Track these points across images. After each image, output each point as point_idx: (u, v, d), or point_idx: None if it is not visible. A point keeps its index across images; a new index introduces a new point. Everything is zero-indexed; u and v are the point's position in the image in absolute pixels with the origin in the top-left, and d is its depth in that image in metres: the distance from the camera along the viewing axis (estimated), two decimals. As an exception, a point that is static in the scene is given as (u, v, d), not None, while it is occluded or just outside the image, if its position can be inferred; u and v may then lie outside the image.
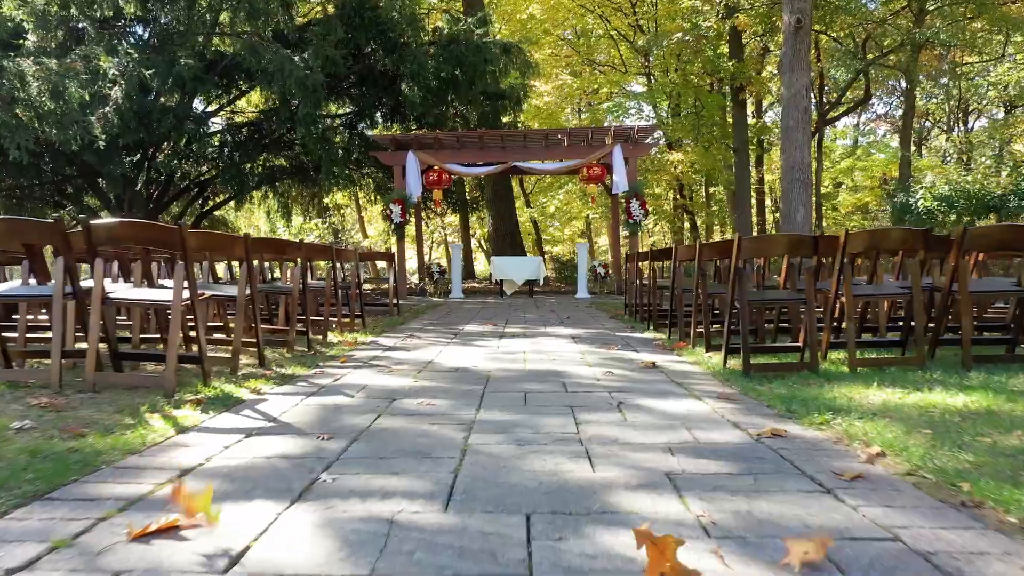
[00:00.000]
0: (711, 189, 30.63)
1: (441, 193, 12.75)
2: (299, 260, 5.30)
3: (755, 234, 22.75)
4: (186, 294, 3.27)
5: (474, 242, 30.30)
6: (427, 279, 13.87)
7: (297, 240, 6.17)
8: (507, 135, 12.36)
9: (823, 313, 4.29)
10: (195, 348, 4.55)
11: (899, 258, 4.49)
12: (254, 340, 4.21)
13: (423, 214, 19.93)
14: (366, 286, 10.57)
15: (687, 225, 29.09)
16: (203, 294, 3.64)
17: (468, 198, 21.85)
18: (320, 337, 5.71)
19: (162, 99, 11.34)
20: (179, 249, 3.22)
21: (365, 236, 25.32)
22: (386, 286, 8.87)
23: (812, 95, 17.57)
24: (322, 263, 10.20)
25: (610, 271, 13.86)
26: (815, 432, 2.54)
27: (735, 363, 4.17)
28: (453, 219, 27.32)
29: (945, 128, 37.99)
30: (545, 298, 13.19)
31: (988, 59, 28.47)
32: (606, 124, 11.98)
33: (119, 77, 10.37)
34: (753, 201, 32.33)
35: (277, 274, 7.43)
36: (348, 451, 2.29)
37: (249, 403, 3.11)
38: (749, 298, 3.86)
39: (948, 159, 35.90)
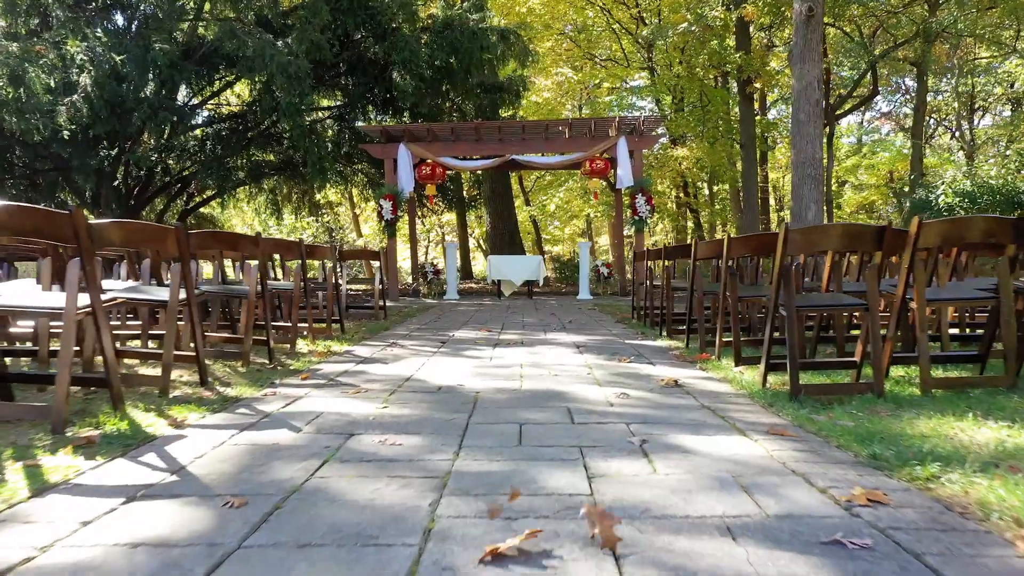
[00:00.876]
0: (715, 188, 29.94)
1: (434, 188, 12.02)
2: (258, 258, 4.56)
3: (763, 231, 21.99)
4: (85, 299, 2.54)
5: (472, 242, 29.59)
6: (421, 279, 13.15)
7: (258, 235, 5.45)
8: (505, 126, 11.63)
9: (883, 321, 3.56)
10: (131, 362, 3.84)
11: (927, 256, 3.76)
12: (194, 352, 3.48)
13: (418, 211, 19.23)
14: (351, 287, 9.85)
15: (690, 224, 28.38)
16: (116, 299, 2.91)
17: (466, 196, 21.15)
18: (288, 346, 4.98)
19: (139, 88, 10.60)
20: (73, 242, 2.49)
21: (360, 235, 24.59)
22: (371, 287, 8.12)
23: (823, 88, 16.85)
24: (315, 263, 9.47)
25: (613, 271, 13.13)
26: (926, 496, 1.81)
27: (776, 381, 3.44)
28: (451, 217, 26.59)
29: (949, 126, 37.33)
30: (545, 300, 12.47)
31: (997, 54, 27.78)
32: (610, 115, 11.33)
33: (88, 63, 9.63)
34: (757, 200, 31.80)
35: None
36: (256, 534, 1.56)
37: (160, 442, 2.38)
38: (798, 303, 3.13)
39: (954, 157, 35.24)
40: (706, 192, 29.18)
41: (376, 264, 8.19)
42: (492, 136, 11.90)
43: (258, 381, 3.66)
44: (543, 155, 12.36)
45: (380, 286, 7.85)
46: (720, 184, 29.72)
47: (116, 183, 13.43)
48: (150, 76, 10.45)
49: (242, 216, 24.27)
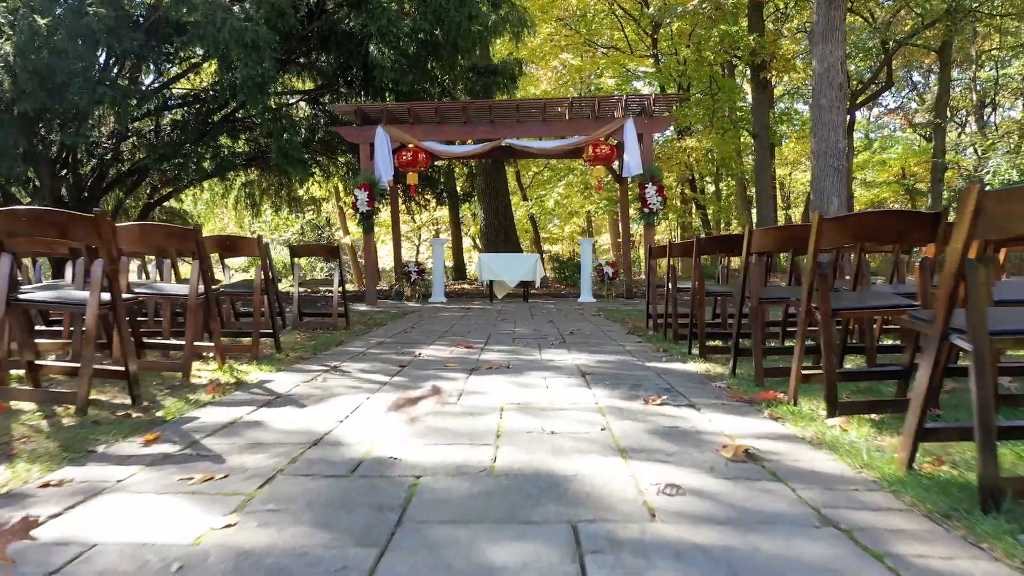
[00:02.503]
0: (721, 184, 28.57)
1: (416, 177, 10.63)
2: (102, 250, 3.13)
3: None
4: None
5: (467, 240, 28.20)
6: (404, 280, 11.75)
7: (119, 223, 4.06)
8: (496, 106, 10.23)
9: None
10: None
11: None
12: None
13: (406, 204, 17.83)
14: (304, 289, 8.42)
15: (696, 222, 26.98)
16: None
17: (460, 191, 19.75)
18: (180, 374, 3.58)
19: (73, 59, 9.19)
20: None
21: (346, 232, 23.20)
22: (329, 290, 6.71)
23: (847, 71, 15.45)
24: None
25: (619, 271, 11.74)
26: None
27: (890, 444, 2.04)
28: (445, 213, 25.19)
29: (959, 120, 36.01)
30: (542, 303, 11.06)
31: (1015, 45, 26.38)
32: (615, 95, 9.97)
33: (6, 27, 8.23)
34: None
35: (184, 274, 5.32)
36: None
37: None
38: (838, 304, 1.74)
39: (965, 152, 33.96)
40: (711, 188, 27.80)
41: (343, 260, 6.78)
42: (482, 118, 10.51)
43: (69, 448, 2.25)
44: (540, 139, 10.96)
45: (340, 288, 6.44)
46: (726, 180, 28.38)
47: (65, 172, 12.04)
48: (85, 45, 9.04)
49: (221, 212, 22.85)
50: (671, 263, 5.49)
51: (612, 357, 4.54)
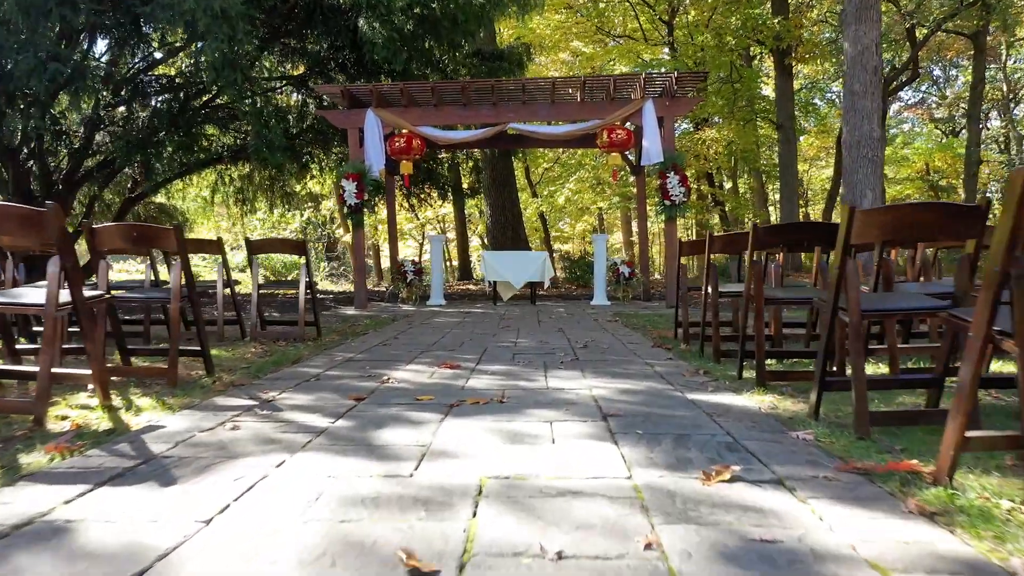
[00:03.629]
0: (738, 179, 27.36)
1: (411, 166, 9.57)
2: None
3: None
4: None
5: (476, 239, 27.10)
6: (400, 281, 10.70)
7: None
8: (500, 86, 9.14)
9: None
10: None
11: None
12: None
13: (407, 200, 16.77)
14: (282, 292, 7.38)
15: (714, 219, 25.75)
16: None
17: (466, 186, 18.69)
18: (31, 417, 2.51)
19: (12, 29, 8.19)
20: None
21: (347, 230, 22.16)
22: (296, 293, 5.66)
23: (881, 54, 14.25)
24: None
25: (636, 271, 10.63)
26: None
27: None
28: (451, 210, 24.07)
29: (983, 115, 34.63)
30: (551, 306, 9.97)
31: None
32: (633, 73, 8.85)
33: (-59, -6, 7.24)
34: (775, 197, 28.70)
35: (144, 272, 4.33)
36: None
37: None
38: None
39: (988, 146, 32.64)
40: (729, 183, 26.58)
41: (336, 255, 5.71)
42: (484, 100, 9.42)
43: None
44: (550, 123, 9.87)
45: (307, 292, 5.38)
46: (743, 175, 27.15)
47: (31, 164, 11.07)
48: (34, 16, 8.02)
49: (221, 210, 21.83)
50: (709, 261, 4.38)
51: (640, 384, 3.45)
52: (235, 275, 22.04)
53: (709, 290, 4.39)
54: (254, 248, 5.30)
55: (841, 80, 31.18)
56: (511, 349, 4.92)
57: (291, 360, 4.31)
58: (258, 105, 9.61)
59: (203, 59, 8.57)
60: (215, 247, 5.21)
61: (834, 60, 21.06)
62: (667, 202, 9.11)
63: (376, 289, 15.63)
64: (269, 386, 3.42)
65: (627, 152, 10.14)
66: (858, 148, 14.26)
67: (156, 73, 11.57)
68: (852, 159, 14.40)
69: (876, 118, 14.33)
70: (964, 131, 36.18)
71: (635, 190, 23.73)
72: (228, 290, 5.45)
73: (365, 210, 10.03)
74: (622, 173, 12.77)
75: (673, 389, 3.30)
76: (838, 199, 26.28)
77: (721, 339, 4.30)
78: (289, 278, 23.66)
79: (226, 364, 4.17)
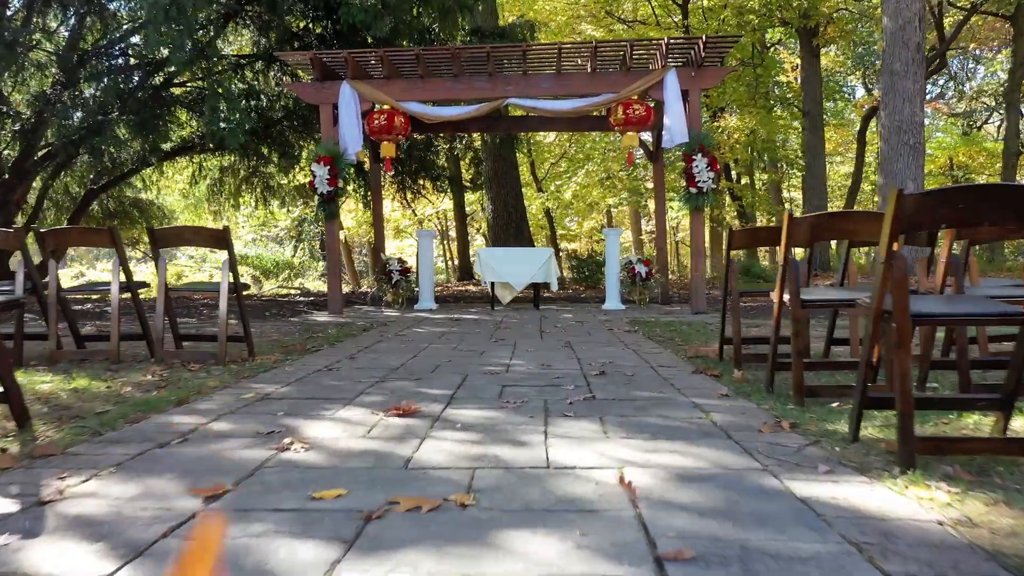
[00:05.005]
0: (754, 172, 25.93)
1: (393, 148, 8.23)
2: None
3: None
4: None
5: (480, 238, 25.68)
6: (384, 282, 9.36)
7: None
8: (497, 53, 7.74)
9: None
10: None
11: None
12: None
13: (400, 193, 15.45)
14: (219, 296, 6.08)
15: (728, 215, 24.30)
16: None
17: (467, 178, 17.35)
18: None
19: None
20: None
21: (340, 227, 20.88)
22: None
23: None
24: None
25: (654, 270, 9.26)
26: None
27: None
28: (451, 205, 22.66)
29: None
30: (557, 311, 8.62)
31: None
32: (653, 39, 7.49)
33: None
34: (793, 194, 26.76)
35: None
36: None
37: None
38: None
39: None
40: (745, 177, 25.13)
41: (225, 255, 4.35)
42: (479, 70, 8.06)
43: None
44: (556, 98, 8.50)
45: (232, 297, 4.04)
46: (759, 167, 25.72)
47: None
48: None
49: (203, 205, 20.51)
50: (789, 257, 3.00)
51: (700, 454, 2.09)
52: (213, 276, 20.81)
53: (784, 297, 3.02)
54: (159, 239, 3.97)
55: (858, 72, 29.74)
56: (500, 377, 3.57)
57: (176, 400, 2.97)
58: (214, 78, 8.29)
59: (151, 28, 7.26)
60: (104, 238, 3.88)
61: (867, 40, 19.59)
62: (693, 189, 7.74)
63: (362, 291, 14.31)
64: (89, 459, 2.08)
65: (644, 133, 8.75)
66: (898, 134, 12.83)
67: (112, 49, 10.26)
68: (891, 147, 12.96)
69: (919, 101, 12.90)
70: (986, 125, 34.64)
71: (645, 184, 22.40)
72: (130, 295, 4.11)
73: (341, 199, 8.76)
74: (639, 154, 11.23)
75: (761, 470, 1.94)
76: (859, 196, 24.82)
77: (804, 366, 2.93)
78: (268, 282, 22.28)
79: (72, 405, 2.85)
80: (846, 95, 23.25)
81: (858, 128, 23.85)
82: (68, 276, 26.49)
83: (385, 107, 7.99)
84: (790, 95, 18.46)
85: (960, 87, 33.63)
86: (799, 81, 17.94)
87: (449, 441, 2.28)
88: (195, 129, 11.45)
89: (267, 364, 4.05)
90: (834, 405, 2.86)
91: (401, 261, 9.36)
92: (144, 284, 4.54)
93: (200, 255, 25.28)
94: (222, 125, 7.81)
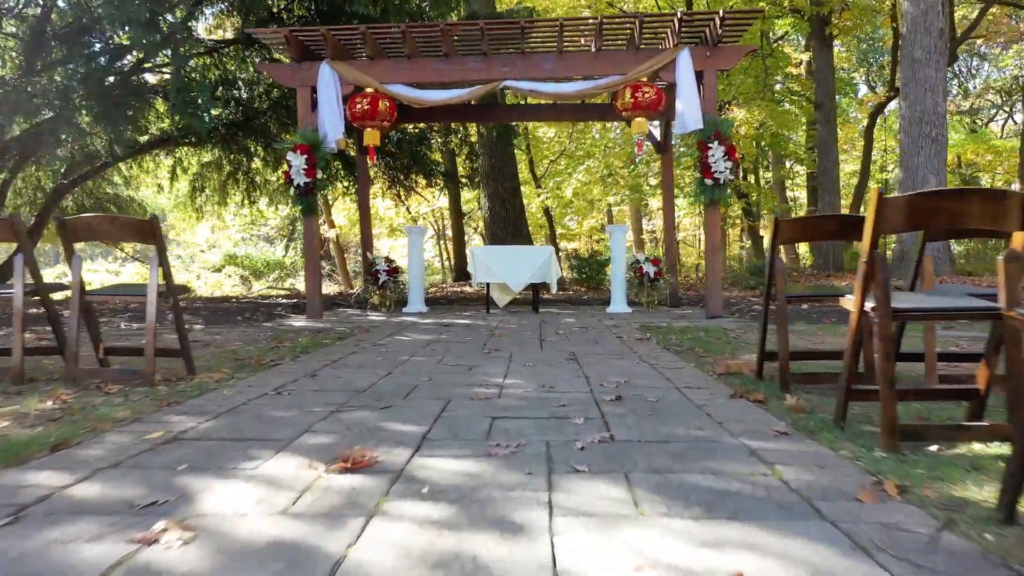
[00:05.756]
0: (759, 169, 25.21)
1: (377, 136, 7.46)
2: None
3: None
4: None
5: (478, 238, 24.89)
6: (371, 283, 8.61)
7: None
8: (491, 30, 7.00)
9: None
10: None
11: None
12: None
13: (393, 188, 14.70)
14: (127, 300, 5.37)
15: (733, 211, 23.53)
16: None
17: (462, 173, 16.60)
18: None
19: None
20: None
21: (331, 225, 20.05)
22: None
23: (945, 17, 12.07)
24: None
25: (663, 270, 8.52)
26: None
27: None
28: (461, 201, 21.85)
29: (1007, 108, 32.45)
30: (558, 314, 7.88)
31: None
32: (664, 13, 6.75)
33: None
34: (797, 193, 25.78)
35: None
36: None
37: None
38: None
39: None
40: (751, 173, 24.38)
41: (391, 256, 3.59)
42: (472, 48, 7.31)
43: None
44: (558, 81, 7.76)
45: (155, 303, 3.28)
46: (764, 168, 25.03)
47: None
48: None
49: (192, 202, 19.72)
50: (875, 251, 2.24)
51: (784, 542, 1.35)
52: (207, 276, 19.85)
53: (867, 305, 2.28)
54: (70, 231, 3.22)
55: (862, 69, 29.02)
56: (490, 405, 2.82)
57: (54, 443, 2.22)
58: (186, 62, 7.53)
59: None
60: (4, 231, 3.13)
61: (871, 36, 18.90)
62: (708, 181, 6.99)
63: (350, 293, 13.55)
64: None
65: (655, 119, 7.99)
66: (919, 125, 12.09)
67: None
68: (912, 139, 12.22)
69: (941, 90, 12.16)
70: (992, 123, 33.91)
71: (648, 180, 21.64)
72: (45, 299, 3.36)
73: (327, 191, 7.99)
74: (646, 145, 10.42)
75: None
76: (866, 194, 24.02)
77: (894, 395, 2.18)
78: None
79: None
80: (850, 94, 22.48)
81: (865, 124, 23.14)
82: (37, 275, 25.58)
83: (368, 90, 7.24)
84: (798, 88, 17.73)
85: (964, 84, 32.91)
86: (811, 73, 17.20)
87: (407, 523, 1.54)
88: (176, 121, 10.70)
89: (205, 384, 3.31)
90: (933, 449, 2.13)
91: (389, 260, 8.61)
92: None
93: (188, 255, 24.49)
94: (188, 110, 7.05)
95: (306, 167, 7.04)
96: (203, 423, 2.50)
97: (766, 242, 26.86)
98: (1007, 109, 32.96)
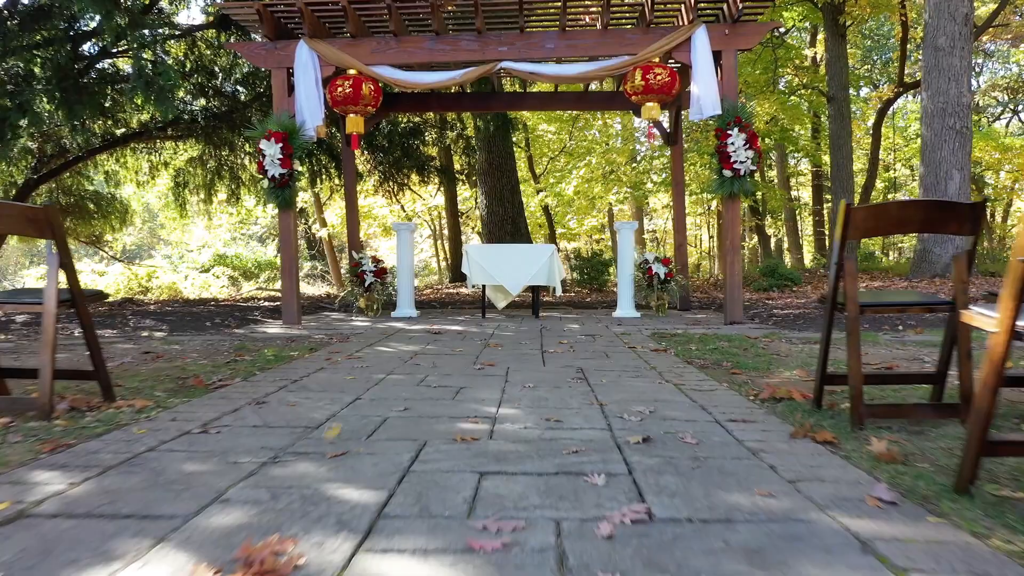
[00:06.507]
0: (764, 165, 24.54)
1: (361, 123, 6.76)
2: None
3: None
4: None
5: (476, 237, 24.16)
6: (356, 284, 7.91)
7: None
8: (486, 2, 6.29)
9: None
10: None
11: None
12: None
13: (385, 184, 14.00)
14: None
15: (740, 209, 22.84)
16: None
17: (459, 170, 15.93)
18: None
19: None
20: None
21: (323, 224, 19.29)
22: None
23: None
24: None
25: (674, 271, 7.83)
26: None
27: None
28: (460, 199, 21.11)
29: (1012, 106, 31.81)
30: (560, 319, 7.18)
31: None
32: None
33: None
34: (800, 192, 25.02)
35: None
36: None
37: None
38: None
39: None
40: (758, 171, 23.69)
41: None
42: (465, 25, 6.63)
43: None
44: (559, 62, 7.08)
45: (53, 313, 2.59)
46: (767, 166, 24.36)
47: None
48: None
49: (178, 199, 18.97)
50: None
51: None
52: (195, 277, 19.08)
53: (1020, 322, 1.58)
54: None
55: (866, 67, 28.34)
56: (478, 452, 2.13)
57: None
58: (139, 37, 6.82)
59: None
60: None
61: (876, 32, 18.24)
62: (727, 172, 6.30)
63: (338, 296, 12.86)
64: None
65: (668, 104, 7.27)
66: (942, 117, 11.39)
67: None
68: (934, 132, 11.52)
69: (965, 80, 11.46)
70: (996, 121, 33.23)
71: (651, 176, 20.91)
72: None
73: (321, 184, 7.30)
74: (658, 151, 9.63)
75: None
76: (873, 192, 23.36)
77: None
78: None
79: None
80: (867, 86, 21.84)
81: (872, 121, 22.45)
82: None
83: (351, 72, 6.55)
84: (806, 80, 17.05)
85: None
86: (814, 65, 16.56)
87: None
88: (142, 107, 9.99)
89: (118, 417, 2.61)
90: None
91: (376, 260, 7.91)
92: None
93: (177, 253, 23.77)
94: (151, 93, 6.34)
95: (281, 157, 6.34)
96: (78, 485, 1.81)
97: (773, 243, 26.19)
98: (1012, 108, 32.31)
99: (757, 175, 23.82)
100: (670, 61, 6.66)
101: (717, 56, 6.43)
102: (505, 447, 2.17)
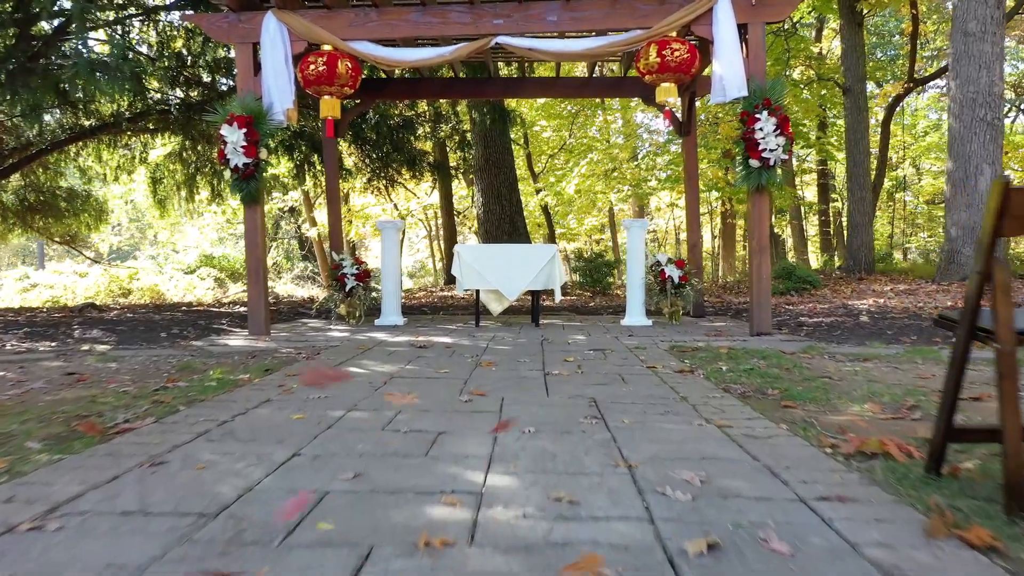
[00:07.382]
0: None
1: (337, 106, 5.96)
2: None
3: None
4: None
5: (473, 237, 23.34)
6: (337, 289, 7.10)
7: None
8: (480, -28, 5.52)
9: None
10: None
11: None
12: None
13: (376, 181, 13.19)
14: None
15: (741, 208, 21.98)
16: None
17: (453, 166, 15.13)
18: None
19: None
20: None
21: (313, 223, 18.44)
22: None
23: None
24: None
25: (689, 274, 7.03)
26: None
27: None
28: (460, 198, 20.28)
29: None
30: (564, 329, 6.37)
31: None
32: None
33: None
34: (804, 192, 23.99)
35: None
36: None
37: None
38: None
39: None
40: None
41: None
42: (456, -1, 5.83)
43: None
44: (562, 36, 6.29)
45: None
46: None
47: None
48: None
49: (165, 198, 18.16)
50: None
51: None
52: (179, 279, 18.28)
53: None
54: None
55: (871, 65, 27.56)
56: (449, 570, 1.33)
57: None
58: (91, 14, 6.02)
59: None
60: None
61: (881, 28, 17.46)
62: (755, 162, 5.51)
63: (317, 301, 12.06)
64: None
65: (688, 76, 6.42)
66: (972, 108, 10.59)
67: None
68: (963, 123, 10.72)
69: (997, 68, 10.67)
70: (1005, 118, 32.46)
71: (652, 173, 20.09)
72: None
73: (301, 179, 6.49)
74: (667, 127, 8.65)
75: None
76: (883, 189, 22.59)
77: None
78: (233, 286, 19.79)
79: None
80: (884, 79, 21.07)
81: (882, 117, 21.64)
82: None
83: (325, 48, 5.74)
84: (821, 72, 16.27)
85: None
86: (830, 56, 15.76)
87: None
88: (88, 90, 9.19)
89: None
90: None
91: (358, 262, 7.11)
92: None
93: (163, 255, 22.94)
94: (95, 71, 5.54)
95: (245, 144, 5.54)
96: None
97: (781, 243, 25.37)
98: (1017, 104, 31.53)
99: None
100: (688, 36, 5.86)
101: (742, 30, 5.64)
102: (492, 563, 1.37)
